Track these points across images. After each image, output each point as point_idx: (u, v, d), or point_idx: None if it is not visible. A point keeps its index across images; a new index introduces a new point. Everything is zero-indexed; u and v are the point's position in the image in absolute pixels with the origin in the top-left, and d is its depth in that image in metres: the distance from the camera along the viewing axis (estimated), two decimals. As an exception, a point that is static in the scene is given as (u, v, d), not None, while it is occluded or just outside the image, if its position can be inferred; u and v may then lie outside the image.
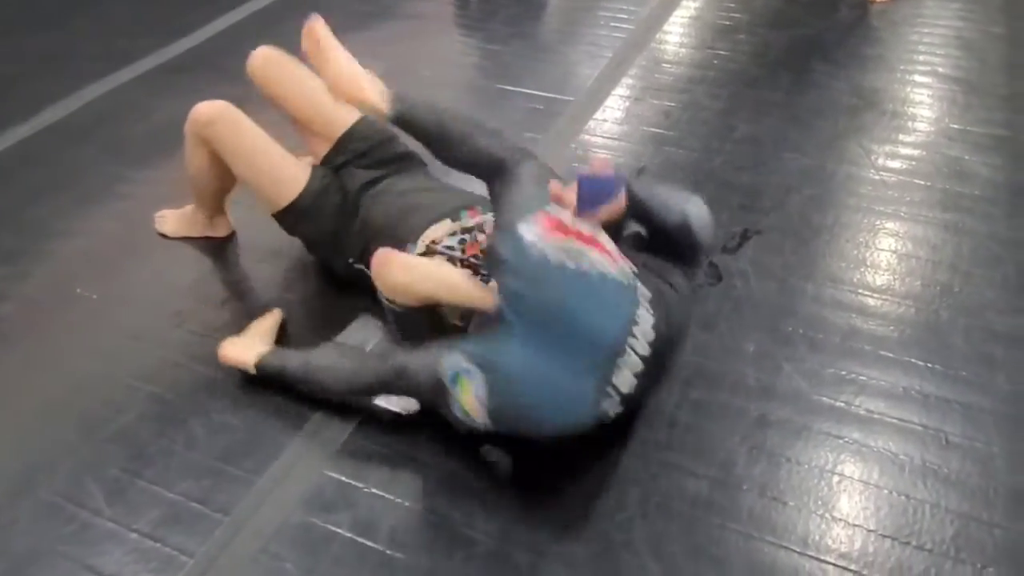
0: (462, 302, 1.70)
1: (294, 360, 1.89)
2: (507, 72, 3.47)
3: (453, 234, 1.96)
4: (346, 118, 2.24)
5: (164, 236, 2.53)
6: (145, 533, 1.66)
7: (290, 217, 2.18)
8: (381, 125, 2.25)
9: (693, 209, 1.73)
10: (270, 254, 2.45)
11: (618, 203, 1.61)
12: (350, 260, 2.15)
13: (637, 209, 1.69)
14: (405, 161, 2.27)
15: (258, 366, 1.91)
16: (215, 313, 2.23)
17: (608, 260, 1.54)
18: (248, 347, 1.96)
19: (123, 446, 1.86)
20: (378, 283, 1.69)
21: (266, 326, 2.08)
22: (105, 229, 2.60)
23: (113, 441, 1.87)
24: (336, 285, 2.28)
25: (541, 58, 3.60)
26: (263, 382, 1.99)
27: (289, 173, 2.16)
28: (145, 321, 2.22)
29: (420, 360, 1.67)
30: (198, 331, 2.18)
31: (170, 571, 1.59)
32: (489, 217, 1.98)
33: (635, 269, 1.62)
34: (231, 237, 2.54)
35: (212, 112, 2.17)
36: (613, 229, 1.67)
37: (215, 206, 2.46)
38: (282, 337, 2.11)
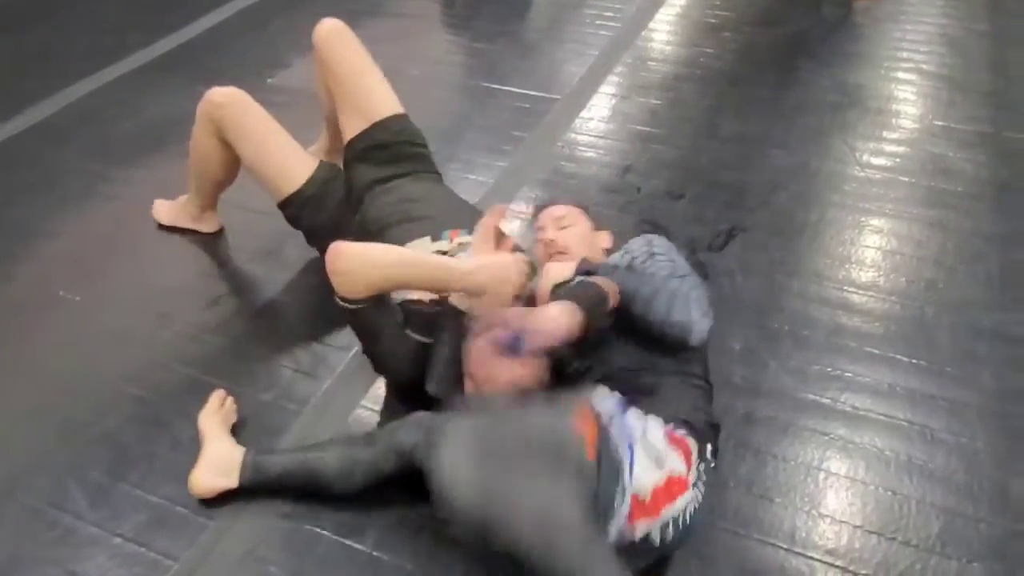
0: (428, 280, 1.69)
1: (278, 465, 1.70)
2: (493, 70, 3.46)
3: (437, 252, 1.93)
4: (389, 107, 2.25)
5: (159, 225, 2.55)
6: (129, 538, 1.65)
7: (294, 206, 2.18)
8: (414, 128, 2.28)
9: (697, 325, 1.56)
10: (258, 255, 2.43)
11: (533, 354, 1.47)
12: None
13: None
14: (419, 166, 2.25)
15: (244, 484, 1.70)
16: (201, 314, 2.22)
17: None
18: (218, 470, 1.71)
19: (107, 449, 1.84)
20: (331, 278, 1.65)
21: (218, 435, 1.77)
22: (89, 230, 2.58)
23: (96, 444, 1.85)
24: (322, 284, 2.26)
25: (527, 56, 3.60)
26: (250, 383, 1.98)
27: (296, 161, 2.17)
28: (129, 323, 2.20)
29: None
30: (184, 332, 2.16)
31: None
32: (469, 238, 1.94)
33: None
34: (218, 235, 2.53)
35: (226, 95, 2.18)
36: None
37: (210, 198, 2.45)
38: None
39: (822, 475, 1.76)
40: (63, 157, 2.94)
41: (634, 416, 1.42)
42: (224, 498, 1.69)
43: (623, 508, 1.31)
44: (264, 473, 1.68)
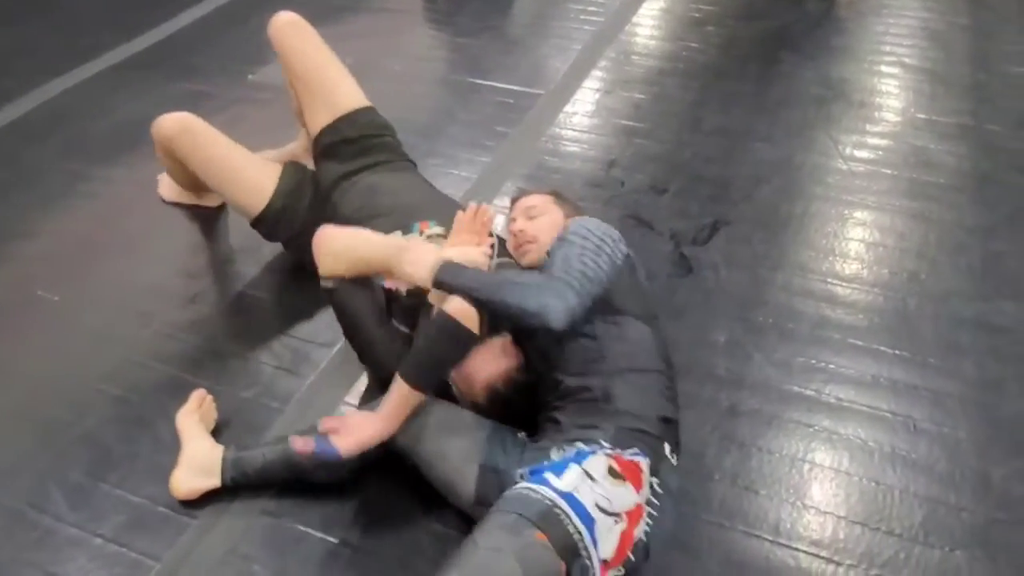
0: (380, 256, 1.69)
1: (259, 459, 1.67)
2: (477, 66, 3.45)
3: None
4: (353, 100, 2.23)
5: (163, 200, 2.59)
6: (109, 538, 1.63)
7: (265, 224, 2.16)
8: (380, 120, 2.25)
9: (553, 323, 1.51)
10: (238, 253, 2.41)
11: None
12: None
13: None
14: (386, 156, 2.22)
15: (227, 482, 1.68)
16: (181, 313, 2.19)
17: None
18: (199, 470, 1.69)
19: (87, 450, 1.82)
20: (317, 258, 1.71)
21: (196, 435, 1.75)
22: (67, 229, 2.55)
23: (77, 445, 1.83)
24: (304, 281, 2.25)
25: (511, 51, 3.59)
26: (231, 381, 1.97)
27: (256, 182, 2.13)
28: (109, 322, 2.18)
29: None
30: (163, 331, 2.14)
31: (136, 576, 1.56)
32: (440, 230, 1.92)
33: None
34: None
35: (173, 127, 2.14)
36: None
37: (200, 187, 2.46)
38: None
39: (807, 467, 1.77)
40: (40, 156, 2.91)
41: (575, 475, 1.39)
42: (206, 497, 1.68)
43: None
44: (246, 469, 1.66)
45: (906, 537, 1.62)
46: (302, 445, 1.64)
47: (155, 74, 3.42)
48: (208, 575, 1.56)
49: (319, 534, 1.63)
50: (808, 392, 1.93)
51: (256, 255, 2.38)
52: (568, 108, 3.12)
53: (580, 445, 1.45)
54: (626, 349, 1.58)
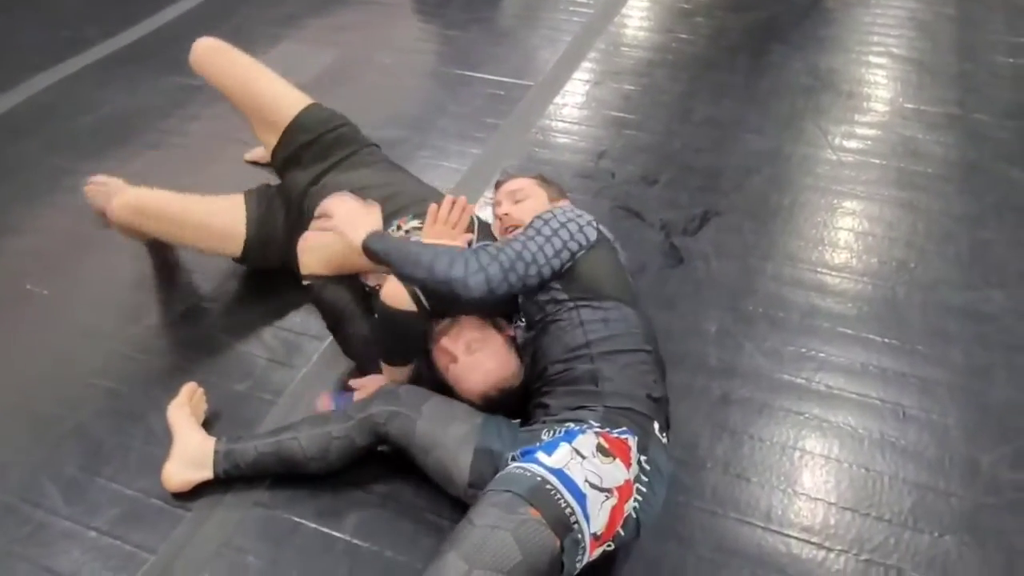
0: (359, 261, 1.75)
1: (252, 451, 1.68)
2: (466, 58, 3.44)
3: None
4: (292, 107, 2.15)
5: None
6: (104, 531, 1.63)
7: (251, 260, 2.12)
8: (326, 114, 2.18)
9: (474, 291, 1.59)
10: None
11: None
12: None
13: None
14: (346, 149, 2.15)
15: (219, 475, 1.69)
16: (172, 306, 2.19)
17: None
18: (191, 463, 1.69)
19: (79, 444, 1.82)
20: (301, 260, 1.85)
21: (187, 427, 1.75)
22: (54, 224, 2.53)
23: (69, 439, 1.83)
24: (295, 275, 2.25)
25: (500, 43, 3.58)
26: (223, 374, 1.97)
27: (224, 228, 2.06)
28: (98, 316, 2.17)
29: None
30: (154, 325, 2.13)
31: (130, 569, 1.56)
32: (416, 223, 1.92)
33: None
34: None
35: (123, 215, 1.99)
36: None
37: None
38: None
39: (797, 454, 1.78)
40: (26, 151, 2.89)
41: (565, 453, 1.42)
42: (199, 489, 1.68)
43: (585, 558, 1.38)
44: (238, 461, 1.67)
45: (896, 523, 1.64)
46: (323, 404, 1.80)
47: (142, 68, 3.40)
48: (203, 567, 1.56)
49: (313, 525, 1.63)
50: (798, 380, 1.95)
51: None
52: (558, 100, 3.12)
53: (570, 425, 1.48)
54: (611, 332, 1.60)
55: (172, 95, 3.20)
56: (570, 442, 1.43)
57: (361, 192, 2.00)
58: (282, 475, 1.69)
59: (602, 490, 1.38)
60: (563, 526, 1.33)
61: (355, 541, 1.60)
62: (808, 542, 1.61)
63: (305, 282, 1.87)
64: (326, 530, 1.62)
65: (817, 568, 1.56)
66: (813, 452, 1.79)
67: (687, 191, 2.59)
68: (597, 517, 1.36)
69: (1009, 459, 1.76)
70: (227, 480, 1.68)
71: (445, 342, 1.71)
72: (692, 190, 2.60)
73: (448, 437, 1.58)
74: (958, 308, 2.14)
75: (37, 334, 2.14)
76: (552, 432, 1.48)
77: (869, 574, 1.55)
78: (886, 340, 2.05)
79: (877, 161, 2.72)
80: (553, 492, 1.35)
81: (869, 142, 2.83)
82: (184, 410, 1.78)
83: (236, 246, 2.07)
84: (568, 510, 1.34)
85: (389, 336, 1.74)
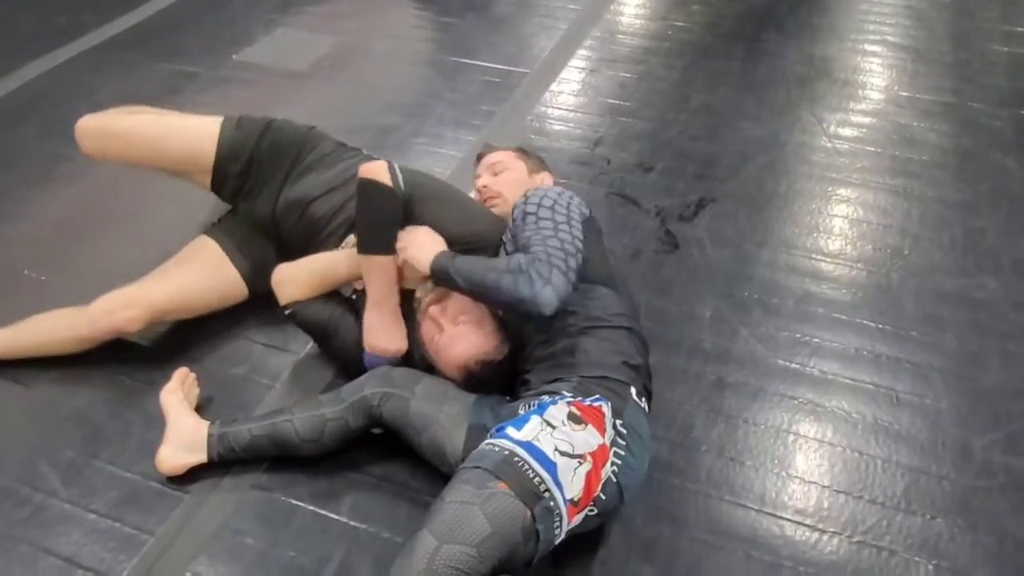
0: (330, 268, 1.85)
1: (246, 434, 1.68)
2: (462, 45, 3.44)
3: None
4: (207, 143, 2.01)
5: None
6: (103, 513, 1.64)
7: (259, 293, 2.02)
8: (245, 129, 2.03)
9: (525, 292, 1.55)
10: (224, 231, 2.40)
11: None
12: None
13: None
14: (291, 158, 2.03)
15: (213, 458, 1.69)
16: (169, 292, 2.19)
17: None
18: (185, 446, 1.69)
19: (78, 427, 1.82)
20: (276, 292, 1.86)
21: (180, 412, 1.75)
22: (50, 211, 2.53)
23: (67, 423, 1.83)
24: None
25: (496, 30, 3.58)
26: (221, 359, 1.98)
27: (222, 285, 2.02)
28: (96, 302, 2.17)
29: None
30: (152, 310, 2.13)
31: (130, 550, 1.57)
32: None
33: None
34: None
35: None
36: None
37: None
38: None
39: (791, 438, 1.80)
40: (21, 138, 2.88)
41: (534, 425, 1.44)
42: (197, 472, 1.69)
43: (563, 525, 1.39)
44: (232, 444, 1.67)
45: (888, 505, 1.66)
46: None
47: (138, 55, 3.39)
48: (201, 549, 1.57)
49: (310, 507, 1.64)
50: (793, 365, 1.96)
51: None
52: (554, 87, 3.12)
53: (544, 398, 1.50)
54: (592, 312, 1.63)
55: (168, 81, 3.19)
56: (541, 415, 1.45)
57: (319, 200, 1.95)
58: (277, 458, 1.70)
59: (574, 456, 1.40)
60: (532, 496, 1.35)
61: (352, 523, 1.61)
62: (801, 524, 1.62)
63: (287, 311, 1.86)
64: (323, 512, 1.63)
65: (810, 550, 1.58)
66: (807, 436, 1.80)
67: (683, 178, 2.60)
68: (571, 483, 1.38)
69: (1001, 443, 1.77)
70: (221, 463, 1.69)
71: (433, 311, 1.72)
72: (688, 177, 2.61)
73: (442, 416, 1.60)
74: (952, 295, 2.15)
75: (34, 319, 2.13)
76: (528, 406, 1.50)
77: (861, 556, 1.57)
78: (880, 326, 2.06)
79: (872, 149, 2.73)
80: (521, 463, 1.37)
81: (864, 130, 2.84)
82: (176, 395, 1.77)
83: (242, 294, 2.04)
84: (536, 479, 1.36)
85: (366, 212, 1.75)
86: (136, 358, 1.99)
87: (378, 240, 1.76)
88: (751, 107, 2.97)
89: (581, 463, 1.40)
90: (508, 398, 1.66)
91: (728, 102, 3.00)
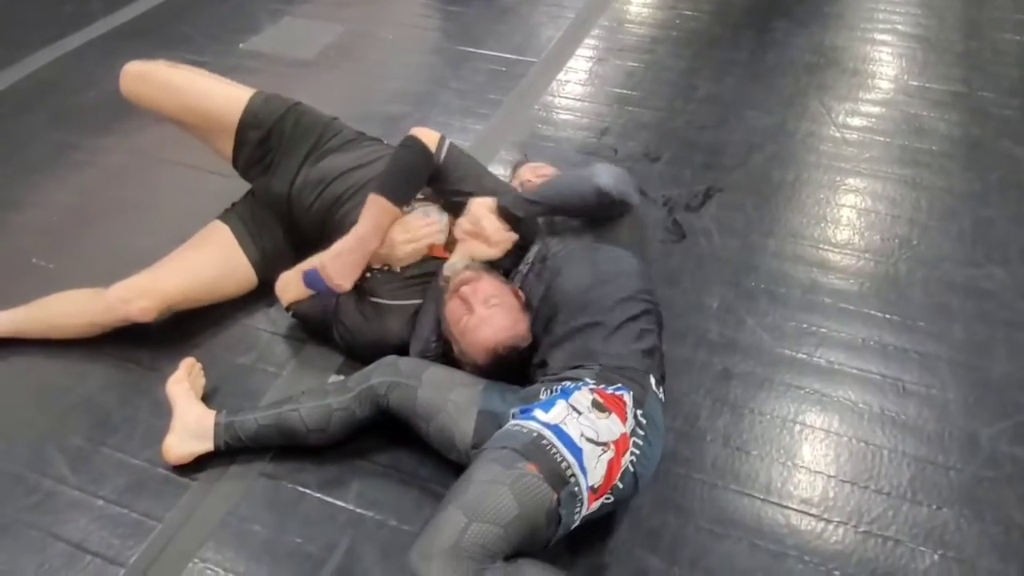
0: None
1: (252, 423, 1.69)
2: (469, 34, 3.43)
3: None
4: (236, 105, 2.05)
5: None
6: (111, 500, 1.65)
7: (270, 282, 2.03)
8: (274, 103, 2.08)
9: (603, 180, 1.72)
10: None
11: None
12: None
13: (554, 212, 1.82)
14: (313, 139, 2.07)
15: (219, 447, 1.70)
16: (176, 280, 2.19)
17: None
18: (191, 435, 1.70)
19: (86, 415, 1.83)
20: (281, 298, 1.95)
21: (187, 401, 1.75)
22: (58, 199, 2.54)
23: (76, 410, 1.84)
24: (300, 248, 2.24)
25: (503, 19, 3.56)
26: (227, 347, 1.98)
27: (235, 288, 2.07)
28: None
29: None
30: (159, 299, 2.14)
31: (138, 536, 1.58)
32: (419, 196, 1.95)
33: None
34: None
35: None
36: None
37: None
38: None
39: (797, 428, 1.79)
40: (29, 126, 2.88)
41: (561, 409, 1.45)
42: (205, 460, 1.69)
43: (582, 510, 1.40)
44: (239, 433, 1.68)
45: (894, 495, 1.66)
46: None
47: (145, 44, 3.38)
48: (208, 535, 1.58)
49: (317, 495, 1.65)
50: (799, 355, 1.96)
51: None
52: (561, 76, 3.11)
53: (566, 384, 1.50)
54: (618, 293, 1.66)
55: (174, 70, 3.19)
56: (566, 399, 1.46)
57: (339, 179, 1.99)
58: (283, 447, 1.71)
59: (598, 444, 1.41)
60: (559, 479, 1.36)
61: (359, 510, 1.62)
62: (807, 514, 1.62)
63: (290, 313, 1.95)
64: (330, 499, 1.64)
65: (816, 539, 1.58)
66: (813, 426, 1.80)
67: (690, 168, 2.59)
68: (594, 470, 1.39)
69: (1008, 434, 1.77)
70: (228, 452, 1.70)
71: (465, 291, 1.70)
72: (695, 167, 2.60)
73: (450, 403, 1.60)
74: (960, 285, 2.14)
75: (42, 307, 2.14)
76: (550, 391, 1.51)
77: (867, 545, 1.57)
78: (887, 316, 2.05)
79: (880, 138, 2.72)
80: (549, 447, 1.38)
81: (873, 119, 2.82)
82: (183, 384, 1.78)
83: (252, 284, 2.07)
84: (564, 464, 1.37)
85: (398, 161, 1.85)
86: (144, 346, 1.99)
87: (395, 188, 1.83)
88: (759, 96, 2.95)
89: (605, 451, 1.41)
90: (517, 387, 1.66)
91: (736, 91, 2.99)
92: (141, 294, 1.90)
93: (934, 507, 1.63)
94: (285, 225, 2.07)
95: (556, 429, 1.40)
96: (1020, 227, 2.33)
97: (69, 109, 2.97)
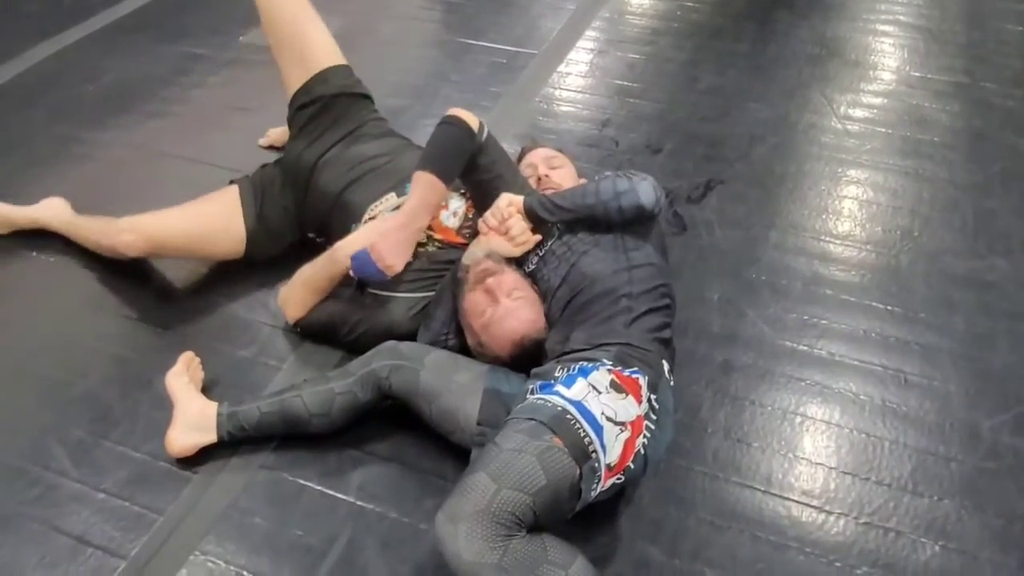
0: (323, 269, 1.88)
1: (255, 412, 1.69)
2: (469, 26, 3.42)
3: (396, 208, 1.93)
4: (327, 57, 2.20)
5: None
6: (113, 493, 1.65)
7: (256, 257, 2.12)
8: (352, 79, 2.21)
9: (647, 199, 1.74)
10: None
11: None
12: (310, 235, 2.15)
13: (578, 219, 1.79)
14: (358, 120, 2.18)
15: (223, 437, 1.69)
16: (177, 274, 2.19)
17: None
18: (194, 427, 1.69)
19: (87, 408, 1.83)
20: (287, 314, 1.95)
21: (188, 394, 1.75)
22: (58, 192, 2.50)
23: (77, 403, 1.84)
24: (301, 243, 2.25)
25: (504, 11, 3.55)
26: (229, 340, 1.98)
27: (226, 247, 2.09)
28: (105, 283, 2.17)
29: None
30: (160, 292, 2.14)
31: (139, 529, 1.58)
32: (392, 204, 1.97)
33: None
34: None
35: (131, 246, 2.02)
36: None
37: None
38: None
39: (798, 419, 1.79)
40: (29, 120, 2.88)
41: (582, 386, 1.45)
42: (206, 453, 1.70)
43: (598, 488, 1.41)
44: (242, 423, 1.68)
45: (895, 487, 1.65)
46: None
47: (145, 37, 3.38)
48: (210, 528, 1.58)
49: (317, 487, 1.65)
50: (800, 347, 1.95)
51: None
52: (562, 68, 3.10)
53: (583, 363, 1.50)
54: (641, 284, 1.68)
55: (175, 63, 3.19)
56: (585, 377, 1.46)
57: (375, 160, 2.05)
58: (286, 436, 1.71)
59: (617, 423, 1.41)
60: (583, 454, 1.36)
61: (359, 502, 1.62)
62: (808, 505, 1.62)
63: (298, 328, 1.96)
64: (331, 492, 1.64)
65: (817, 531, 1.58)
66: (814, 418, 1.80)
67: (691, 160, 2.59)
68: (612, 448, 1.40)
69: (1010, 425, 1.77)
70: (231, 443, 1.70)
71: (491, 283, 1.70)
72: (696, 159, 2.59)
73: (453, 384, 1.61)
74: (961, 276, 2.13)
75: (44, 301, 2.15)
76: (566, 369, 1.51)
77: (868, 537, 1.56)
78: (889, 308, 2.05)
79: (883, 130, 2.71)
80: (573, 422, 1.38)
81: (875, 111, 2.81)
82: (183, 377, 1.78)
83: (238, 249, 2.09)
84: (587, 439, 1.37)
85: (441, 138, 1.81)
86: (145, 339, 2.00)
87: (441, 164, 1.80)
88: (761, 88, 2.94)
89: (622, 431, 1.42)
90: (521, 373, 1.66)
91: (737, 83, 2.98)
92: (133, 227, 1.99)
93: (935, 498, 1.63)
94: (296, 198, 2.11)
95: (579, 405, 1.41)
96: (1022, 218, 2.32)
97: (69, 103, 2.97)
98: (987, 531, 1.57)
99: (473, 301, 1.72)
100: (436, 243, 1.94)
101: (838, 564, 1.52)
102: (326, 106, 2.15)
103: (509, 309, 1.68)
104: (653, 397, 1.50)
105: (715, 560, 1.53)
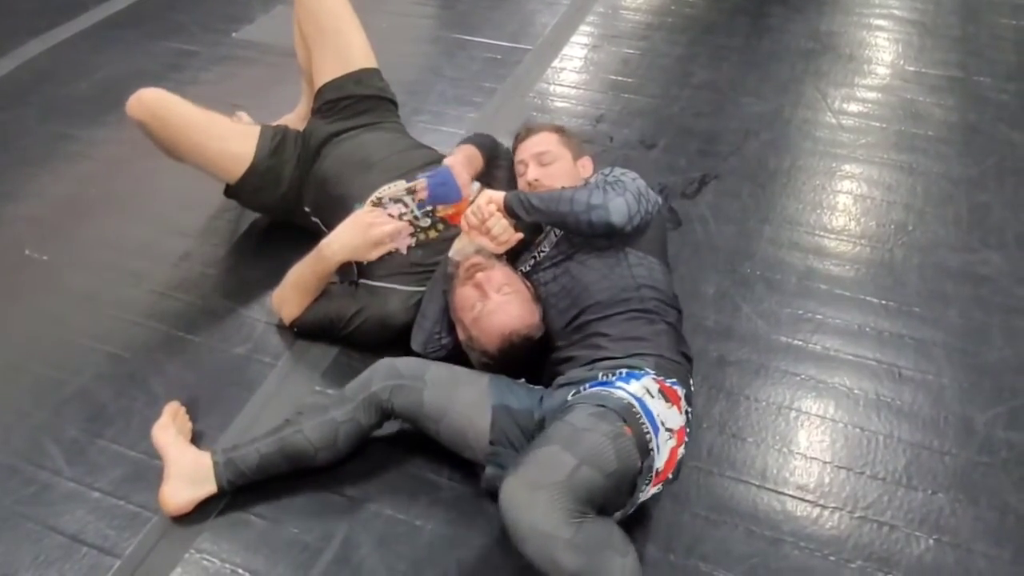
0: (311, 267, 1.89)
1: (254, 454, 1.59)
2: (464, 21, 3.41)
3: (407, 191, 1.93)
4: (363, 59, 2.26)
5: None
6: (107, 491, 1.65)
7: (244, 191, 2.14)
8: (383, 83, 2.28)
9: (617, 219, 1.65)
10: (226, 209, 2.39)
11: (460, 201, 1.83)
12: (307, 209, 2.14)
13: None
14: (378, 118, 2.22)
15: (223, 486, 1.59)
16: (171, 271, 2.19)
17: None
18: (190, 480, 1.58)
19: (81, 407, 1.83)
20: (281, 314, 1.96)
21: (178, 446, 1.64)
22: (51, 190, 2.52)
23: (71, 402, 1.84)
24: (292, 237, 2.24)
25: (497, 7, 3.54)
26: (223, 338, 1.98)
27: (233, 150, 2.10)
28: (99, 282, 2.17)
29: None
30: (154, 289, 2.14)
31: (134, 528, 1.58)
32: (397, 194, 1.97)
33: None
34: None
35: (143, 111, 2.04)
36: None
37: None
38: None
39: (793, 414, 1.80)
40: (21, 117, 2.87)
41: (640, 386, 1.46)
42: (202, 447, 1.68)
43: (647, 491, 1.41)
44: (241, 467, 1.58)
45: (890, 481, 1.66)
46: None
47: (137, 33, 3.37)
48: (205, 526, 1.58)
49: (312, 485, 1.64)
50: (795, 342, 1.96)
51: (245, 212, 2.37)
52: (556, 63, 3.10)
53: (629, 369, 1.50)
54: (656, 283, 1.70)
55: (168, 59, 3.18)
56: (639, 380, 1.47)
57: (381, 149, 2.10)
58: (291, 472, 1.62)
59: (667, 429, 1.42)
60: (645, 449, 1.36)
61: (355, 500, 1.62)
62: (803, 500, 1.63)
63: (295, 329, 1.96)
64: (326, 490, 1.64)
65: (811, 525, 1.58)
66: (809, 412, 1.80)
67: (686, 155, 2.59)
68: (662, 453, 1.40)
69: (1004, 419, 1.77)
70: (231, 491, 1.60)
71: (480, 278, 1.69)
72: (691, 154, 2.59)
73: (458, 402, 1.57)
74: (956, 270, 2.14)
75: (37, 299, 2.14)
76: (609, 374, 1.50)
77: (862, 531, 1.57)
78: (883, 302, 2.05)
79: (877, 124, 2.71)
80: (638, 416, 1.39)
81: (869, 105, 2.81)
82: (170, 430, 1.66)
83: (238, 169, 2.10)
84: (648, 436, 1.37)
85: (474, 135, 2.11)
86: (139, 337, 1.99)
87: (479, 140, 2.10)
88: (755, 83, 2.94)
89: (671, 437, 1.42)
90: (522, 380, 1.66)
91: (731, 78, 2.98)
92: (152, 90, 2.05)
93: (929, 492, 1.64)
94: (306, 164, 2.14)
95: (641, 402, 1.41)
96: (1016, 212, 2.33)
97: (62, 100, 2.96)
98: (981, 524, 1.58)
99: (463, 296, 1.71)
100: (439, 227, 1.93)
101: (832, 558, 1.52)
102: (355, 102, 2.20)
103: (499, 304, 1.66)
104: (689, 411, 1.52)
105: (710, 555, 1.53)
